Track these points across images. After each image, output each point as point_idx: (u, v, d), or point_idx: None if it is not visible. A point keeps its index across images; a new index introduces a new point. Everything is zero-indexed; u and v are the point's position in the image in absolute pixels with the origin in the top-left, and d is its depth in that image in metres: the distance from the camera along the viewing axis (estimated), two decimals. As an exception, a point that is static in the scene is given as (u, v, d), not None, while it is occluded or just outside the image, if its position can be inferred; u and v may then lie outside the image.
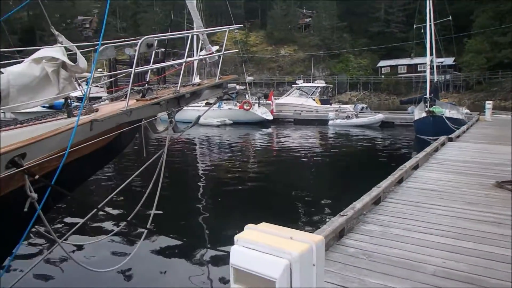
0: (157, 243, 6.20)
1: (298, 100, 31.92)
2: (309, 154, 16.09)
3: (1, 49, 4.32)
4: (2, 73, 3.70)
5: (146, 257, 5.71)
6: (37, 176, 2.92)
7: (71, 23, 70.84)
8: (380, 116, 25.71)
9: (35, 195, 2.91)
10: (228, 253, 1.74)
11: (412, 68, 55.62)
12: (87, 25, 75.42)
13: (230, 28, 5.57)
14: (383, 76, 59.54)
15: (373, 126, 25.05)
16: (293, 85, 36.19)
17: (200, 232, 6.95)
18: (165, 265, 5.67)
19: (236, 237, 1.73)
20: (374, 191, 5.60)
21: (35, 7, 54.74)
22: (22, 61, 4.04)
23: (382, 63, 61.15)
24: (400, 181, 6.78)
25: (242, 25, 5.90)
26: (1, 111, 3.97)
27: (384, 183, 6.06)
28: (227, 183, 11.28)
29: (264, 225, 1.83)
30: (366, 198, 5.30)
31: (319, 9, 65.32)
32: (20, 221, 3.06)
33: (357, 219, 4.81)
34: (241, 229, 1.82)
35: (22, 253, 5.14)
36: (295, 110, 29.87)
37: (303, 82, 36.07)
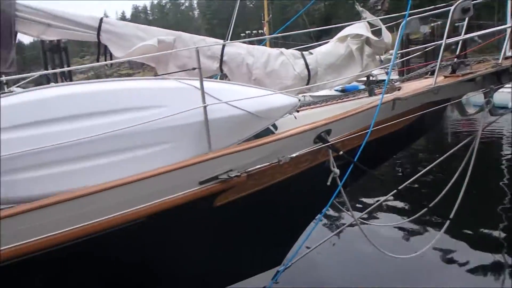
0: (460, 239, 5.59)
1: None
2: None
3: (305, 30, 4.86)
4: (311, 53, 4.17)
5: (445, 252, 5.27)
6: (341, 152, 3.12)
7: (364, 6, 75.13)
8: None
9: (337, 171, 3.13)
10: None
11: None
12: (379, 7, 77.85)
13: None
14: None
15: None
16: None
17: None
18: (466, 267, 5.01)
19: None
20: None
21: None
22: (328, 42, 4.44)
23: None
24: None
25: None
26: (309, 91, 4.50)
27: None
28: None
29: None
30: None
31: None
32: (321, 194, 3.39)
33: None
34: None
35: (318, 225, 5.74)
36: None
37: None
